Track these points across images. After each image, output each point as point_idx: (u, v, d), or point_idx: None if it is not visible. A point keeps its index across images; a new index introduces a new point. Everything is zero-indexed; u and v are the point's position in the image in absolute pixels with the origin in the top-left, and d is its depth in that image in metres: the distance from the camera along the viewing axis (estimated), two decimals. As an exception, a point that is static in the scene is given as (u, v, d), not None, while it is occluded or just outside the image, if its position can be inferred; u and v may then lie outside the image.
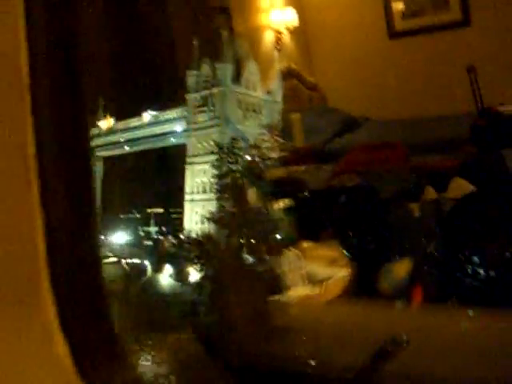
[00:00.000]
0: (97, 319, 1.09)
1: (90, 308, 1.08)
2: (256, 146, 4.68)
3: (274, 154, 3.90)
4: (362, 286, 1.80)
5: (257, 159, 4.75)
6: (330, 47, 4.88)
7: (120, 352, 1.18)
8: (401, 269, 1.81)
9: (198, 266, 4.40)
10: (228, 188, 4.83)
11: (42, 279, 0.96)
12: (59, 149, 1.02)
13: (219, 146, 4.83)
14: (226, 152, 4.78)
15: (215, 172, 4.60)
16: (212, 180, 4.30)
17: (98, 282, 1.12)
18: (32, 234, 0.95)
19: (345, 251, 2.03)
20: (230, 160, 4.91)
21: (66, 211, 1.03)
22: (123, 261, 5.39)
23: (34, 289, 0.97)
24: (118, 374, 1.14)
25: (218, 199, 4.76)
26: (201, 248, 4.44)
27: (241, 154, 4.91)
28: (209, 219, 4.70)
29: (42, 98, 0.97)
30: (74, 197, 1.05)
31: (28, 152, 0.95)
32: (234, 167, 4.83)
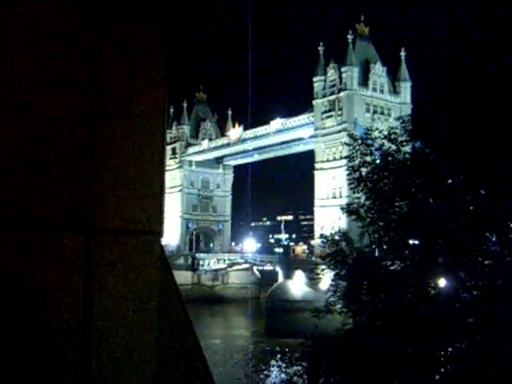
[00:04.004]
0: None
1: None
2: (391, 139, 4.55)
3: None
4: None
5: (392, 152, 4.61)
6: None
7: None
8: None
9: (332, 265, 4.42)
10: (362, 180, 4.77)
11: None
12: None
13: (353, 138, 4.73)
14: (359, 144, 4.73)
15: (349, 164, 4.54)
16: (343, 185, 4.16)
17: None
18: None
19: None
20: (362, 151, 4.89)
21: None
22: (255, 267, 5.43)
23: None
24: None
25: (351, 190, 4.72)
26: (336, 246, 4.46)
27: (373, 145, 4.77)
28: (343, 209, 4.68)
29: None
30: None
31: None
32: (367, 158, 4.76)
